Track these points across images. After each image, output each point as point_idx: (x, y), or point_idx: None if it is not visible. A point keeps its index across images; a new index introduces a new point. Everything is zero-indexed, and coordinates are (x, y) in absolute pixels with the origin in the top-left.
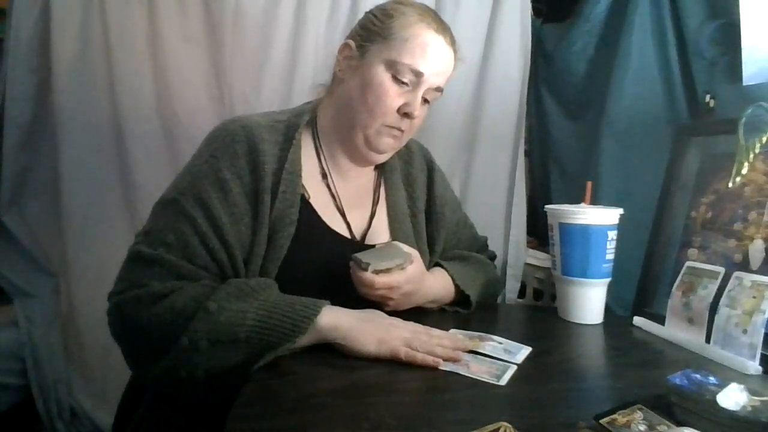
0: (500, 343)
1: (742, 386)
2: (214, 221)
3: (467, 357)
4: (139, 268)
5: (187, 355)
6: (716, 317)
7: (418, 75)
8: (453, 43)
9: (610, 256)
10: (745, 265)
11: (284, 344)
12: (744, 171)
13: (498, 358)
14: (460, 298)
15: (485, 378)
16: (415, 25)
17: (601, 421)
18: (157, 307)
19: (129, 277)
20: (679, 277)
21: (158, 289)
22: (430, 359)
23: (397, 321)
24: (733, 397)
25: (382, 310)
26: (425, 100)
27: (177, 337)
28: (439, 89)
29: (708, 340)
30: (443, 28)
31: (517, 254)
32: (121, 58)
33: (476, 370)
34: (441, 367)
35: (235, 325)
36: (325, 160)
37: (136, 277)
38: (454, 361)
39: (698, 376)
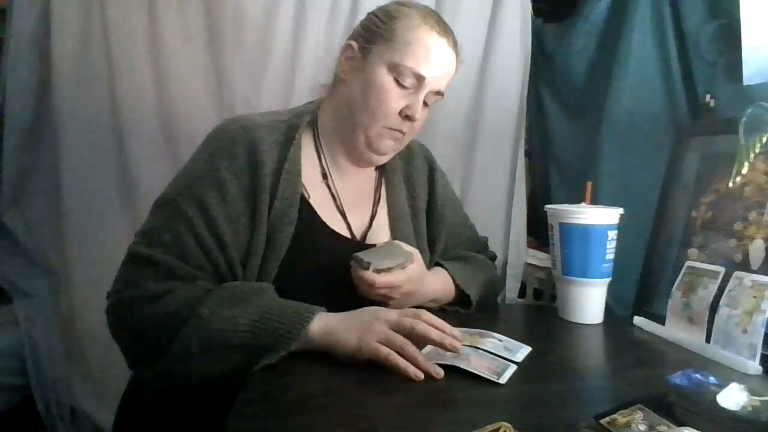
0: (500, 340)
1: (742, 386)
2: (211, 222)
3: (468, 351)
4: (136, 268)
5: (180, 361)
6: (716, 317)
7: (420, 78)
8: (455, 45)
9: (610, 256)
10: (745, 265)
11: (277, 350)
12: (744, 171)
13: (498, 354)
14: (461, 297)
15: (486, 374)
16: (418, 28)
17: (601, 421)
18: (152, 309)
19: (126, 277)
20: (679, 277)
21: (153, 290)
22: (411, 371)
23: (383, 312)
24: (733, 397)
25: None
26: (425, 103)
27: (170, 340)
28: (439, 93)
29: (708, 340)
30: (446, 31)
31: (517, 254)
32: (121, 58)
33: (477, 365)
34: (442, 362)
35: (227, 331)
36: (325, 160)
37: (132, 277)
38: (445, 348)
39: (698, 376)
